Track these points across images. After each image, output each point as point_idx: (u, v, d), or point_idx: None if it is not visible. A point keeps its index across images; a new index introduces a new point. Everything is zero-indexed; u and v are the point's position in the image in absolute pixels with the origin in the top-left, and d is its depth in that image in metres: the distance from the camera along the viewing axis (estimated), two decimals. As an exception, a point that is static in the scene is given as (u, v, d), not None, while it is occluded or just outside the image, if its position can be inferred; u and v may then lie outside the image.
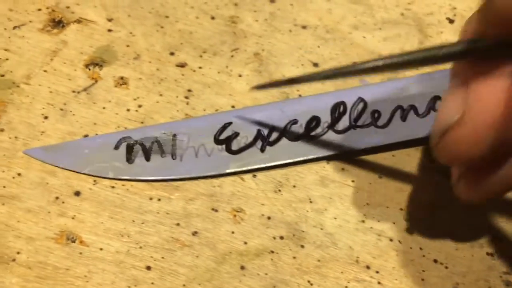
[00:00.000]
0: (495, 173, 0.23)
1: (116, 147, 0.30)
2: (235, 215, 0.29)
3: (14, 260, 0.27)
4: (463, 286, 0.29)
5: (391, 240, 0.29)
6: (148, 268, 0.28)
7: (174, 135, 0.30)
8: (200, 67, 0.34)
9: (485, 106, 0.20)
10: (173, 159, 0.30)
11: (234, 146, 0.30)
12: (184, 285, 0.27)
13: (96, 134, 0.31)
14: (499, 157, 0.22)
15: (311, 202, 0.30)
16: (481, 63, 0.21)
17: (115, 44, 0.35)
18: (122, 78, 0.33)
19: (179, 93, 0.33)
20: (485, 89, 0.20)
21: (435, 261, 0.29)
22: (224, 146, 0.30)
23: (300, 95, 0.33)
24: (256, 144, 0.30)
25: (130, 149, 0.30)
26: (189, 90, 0.33)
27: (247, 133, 0.30)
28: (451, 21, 0.38)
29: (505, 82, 0.20)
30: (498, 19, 0.19)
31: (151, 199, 0.29)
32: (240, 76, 0.34)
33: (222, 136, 0.30)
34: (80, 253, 0.28)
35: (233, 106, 0.33)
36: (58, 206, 0.29)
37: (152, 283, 0.27)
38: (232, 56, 0.35)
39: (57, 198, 0.29)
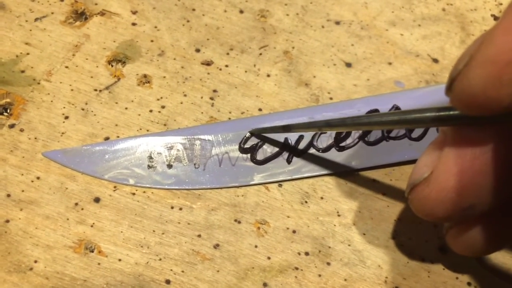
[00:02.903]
0: (467, 234, 0.23)
1: (138, 153, 0.29)
2: (258, 228, 0.28)
3: (31, 269, 0.26)
4: (498, 311, 0.27)
5: (423, 259, 0.28)
6: (168, 282, 0.27)
7: (198, 142, 0.29)
8: (226, 66, 0.33)
9: (449, 170, 0.20)
10: (196, 167, 0.28)
11: (260, 155, 0.29)
12: (204, 300, 0.26)
13: (118, 137, 0.30)
14: (468, 220, 0.23)
15: (339, 215, 0.29)
16: (462, 127, 0.20)
17: (139, 39, 0.33)
18: (145, 76, 0.32)
19: (204, 94, 0.32)
20: (454, 154, 0.20)
21: (469, 284, 0.27)
22: (249, 155, 0.29)
23: (331, 98, 0.32)
24: (283, 154, 0.29)
25: (151, 156, 0.29)
26: (215, 91, 0.32)
27: (274, 142, 0.29)
28: (496, 18, 0.35)
29: (474, 152, 0.20)
30: (461, 104, 0.19)
31: (172, 208, 0.28)
32: (268, 76, 0.32)
33: (247, 145, 0.29)
34: (99, 264, 0.27)
35: (260, 109, 0.31)
36: (77, 212, 0.28)
37: (171, 298, 0.26)
38: (260, 54, 0.33)
39: (76, 204, 0.28)
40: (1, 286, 0.26)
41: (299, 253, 0.28)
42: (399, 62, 0.33)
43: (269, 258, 0.27)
